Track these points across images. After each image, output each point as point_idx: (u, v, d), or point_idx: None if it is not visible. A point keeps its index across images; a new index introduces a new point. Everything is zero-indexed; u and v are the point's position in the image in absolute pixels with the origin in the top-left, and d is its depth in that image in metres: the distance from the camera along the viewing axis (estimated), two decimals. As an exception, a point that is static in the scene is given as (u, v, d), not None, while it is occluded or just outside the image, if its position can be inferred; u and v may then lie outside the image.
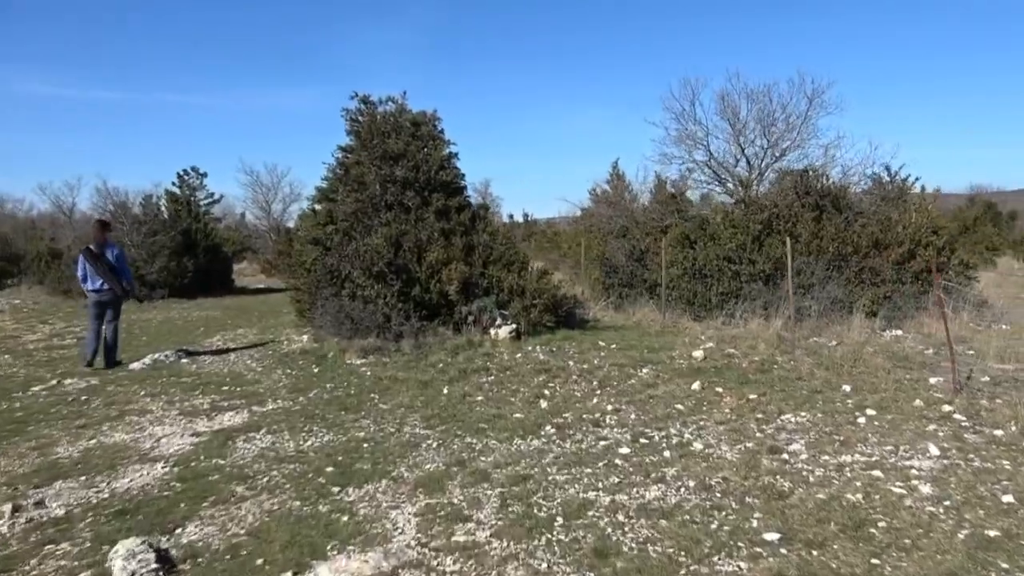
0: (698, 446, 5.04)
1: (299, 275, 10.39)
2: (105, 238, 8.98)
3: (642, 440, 5.20)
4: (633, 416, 5.86)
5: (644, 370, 7.59)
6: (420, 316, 9.09)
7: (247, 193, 42.35)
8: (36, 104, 65.93)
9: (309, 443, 5.21)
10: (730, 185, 13.97)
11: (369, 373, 7.69)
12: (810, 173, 11.98)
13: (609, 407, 6.13)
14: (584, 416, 5.87)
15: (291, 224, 31.23)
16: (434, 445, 5.15)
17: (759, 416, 5.78)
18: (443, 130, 10.70)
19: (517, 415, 5.95)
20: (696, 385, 6.75)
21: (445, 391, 6.84)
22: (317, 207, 10.69)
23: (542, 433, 5.44)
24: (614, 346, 8.95)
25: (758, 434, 5.30)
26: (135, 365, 8.41)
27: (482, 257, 9.88)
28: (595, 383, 7.05)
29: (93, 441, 5.34)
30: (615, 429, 5.51)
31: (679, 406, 6.12)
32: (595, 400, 6.41)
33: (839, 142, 12.88)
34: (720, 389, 6.65)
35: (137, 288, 9.01)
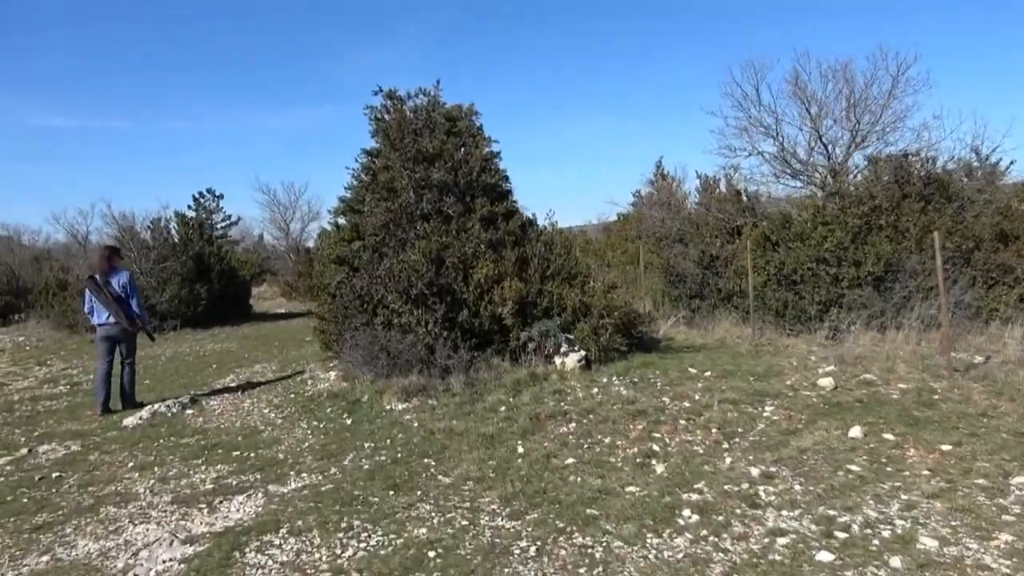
0: (929, 543, 3.37)
1: (322, 301, 8.85)
2: (110, 265, 7.58)
3: (838, 533, 3.53)
4: (797, 487, 4.19)
5: (767, 408, 5.92)
6: (469, 346, 7.49)
7: (264, 213, 41.24)
8: (47, 135, 65.71)
9: (349, 552, 3.60)
10: (803, 177, 12.25)
11: (416, 424, 6.10)
12: (910, 158, 10.24)
13: (755, 471, 4.47)
14: (728, 489, 4.21)
15: (311, 244, 29.90)
16: (532, 551, 3.53)
17: (980, 482, 4.09)
18: (482, 126, 9.15)
19: (631, 488, 4.31)
20: (856, 431, 5.06)
21: (520, 449, 5.22)
22: (340, 221, 9.17)
23: (680, 521, 3.80)
24: (708, 373, 7.29)
25: (1006, 516, 3.61)
26: (130, 420, 6.89)
27: (538, 271, 8.28)
28: (713, 430, 5.39)
29: (45, 559, 3.77)
30: (784, 512, 3.85)
31: (853, 467, 4.44)
32: (728, 459, 4.74)
33: (934, 123, 11.10)
34: (891, 436, 4.96)
35: (148, 320, 7.45)
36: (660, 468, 4.68)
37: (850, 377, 6.68)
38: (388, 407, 6.73)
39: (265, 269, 25.54)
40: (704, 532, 3.64)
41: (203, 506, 4.37)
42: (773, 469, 4.49)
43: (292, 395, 7.70)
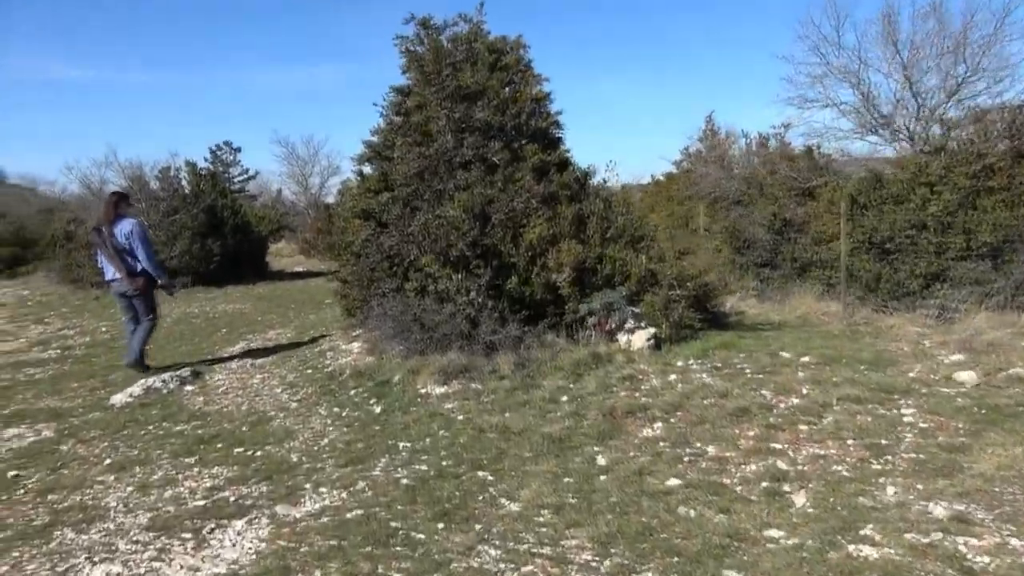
0: None
1: (344, 261, 7.66)
2: (116, 214, 6.60)
3: None
4: (1016, 543, 2.96)
5: (904, 410, 4.69)
6: (519, 319, 6.30)
7: (283, 167, 40.10)
8: (65, 87, 64.54)
9: (390, 635, 2.46)
10: (884, 132, 10.79)
11: (460, 416, 4.94)
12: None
13: (939, 511, 3.25)
14: (912, 540, 3.00)
15: (330, 199, 28.70)
16: (662, 648, 2.35)
17: None
18: (531, 61, 7.80)
19: (772, 532, 3.12)
20: (1054, 453, 3.82)
21: (600, 460, 4.05)
22: (365, 169, 7.92)
23: (867, 598, 2.61)
24: (806, 359, 6.06)
25: None
26: (118, 398, 5.81)
27: (598, 232, 7.02)
28: (849, 441, 4.18)
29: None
30: (1022, 590, 2.65)
31: (1079, 510, 3.22)
32: (890, 488, 3.53)
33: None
34: (1103, 461, 3.72)
35: (166, 276, 7.05)
36: (799, 499, 3.48)
37: (993, 371, 5.41)
38: (423, 391, 5.59)
39: (283, 225, 24.41)
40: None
41: (188, 536, 3.24)
42: (962, 507, 3.27)
43: (309, 370, 6.58)
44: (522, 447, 4.28)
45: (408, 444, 4.43)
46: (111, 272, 6.60)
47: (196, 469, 4.15)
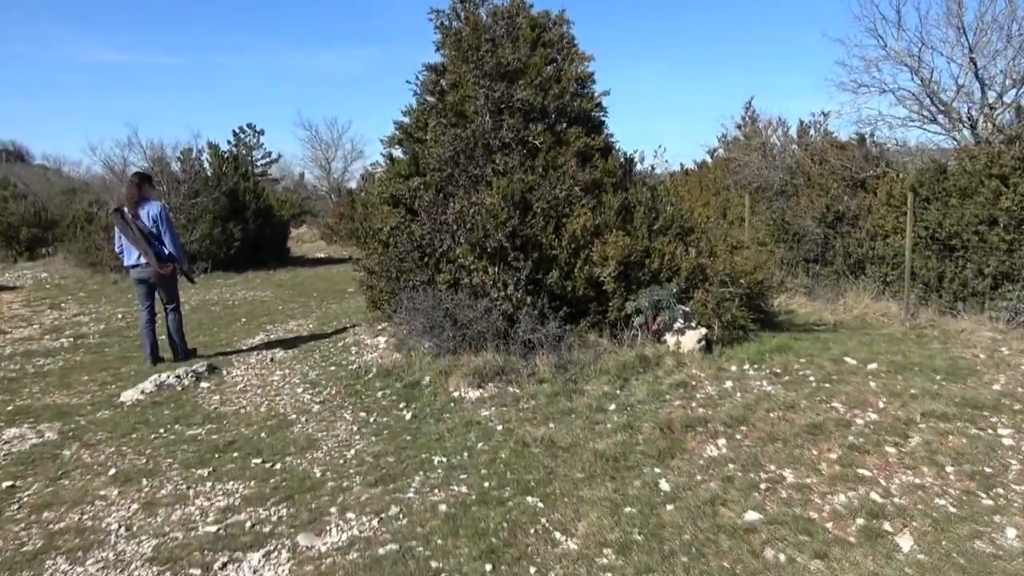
0: None
1: (371, 249, 7.20)
2: (141, 195, 6.28)
3: None
4: None
5: (1001, 430, 4.15)
6: (560, 317, 5.80)
7: (306, 151, 39.83)
8: (94, 69, 64.72)
9: None
10: (943, 120, 10.09)
11: (499, 426, 4.47)
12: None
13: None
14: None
15: (353, 184, 28.32)
16: None
17: None
18: (575, 38, 7.26)
19: (885, 590, 2.61)
20: None
21: (664, 485, 3.55)
22: (395, 152, 7.44)
23: None
24: (873, 366, 5.52)
25: None
26: (129, 395, 5.40)
27: (645, 224, 6.49)
28: (948, 468, 3.65)
29: None
30: None
31: None
32: (1010, 531, 3.01)
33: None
34: None
35: (187, 262, 6.83)
36: (905, 541, 2.97)
37: (1095, 387, 4.84)
38: (456, 394, 5.12)
39: (305, 210, 24.07)
40: None
41: (197, 572, 2.80)
42: (1109, 562, 2.74)
43: (332, 367, 6.14)
44: (572, 466, 3.80)
45: (444, 459, 3.96)
46: (134, 256, 6.25)
47: (209, 484, 3.72)
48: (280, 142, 70.43)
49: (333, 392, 5.40)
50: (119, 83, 62.28)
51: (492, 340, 5.65)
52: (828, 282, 8.73)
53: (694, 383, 5.21)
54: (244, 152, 31.85)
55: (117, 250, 6.57)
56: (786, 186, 11.41)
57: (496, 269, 5.89)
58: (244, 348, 7.09)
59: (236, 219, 14.39)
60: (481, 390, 5.21)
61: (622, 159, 7.02)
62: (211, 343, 7.36)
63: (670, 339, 6.01)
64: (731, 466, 3.76)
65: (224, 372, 6.09)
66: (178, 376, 5.74)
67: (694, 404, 4.76)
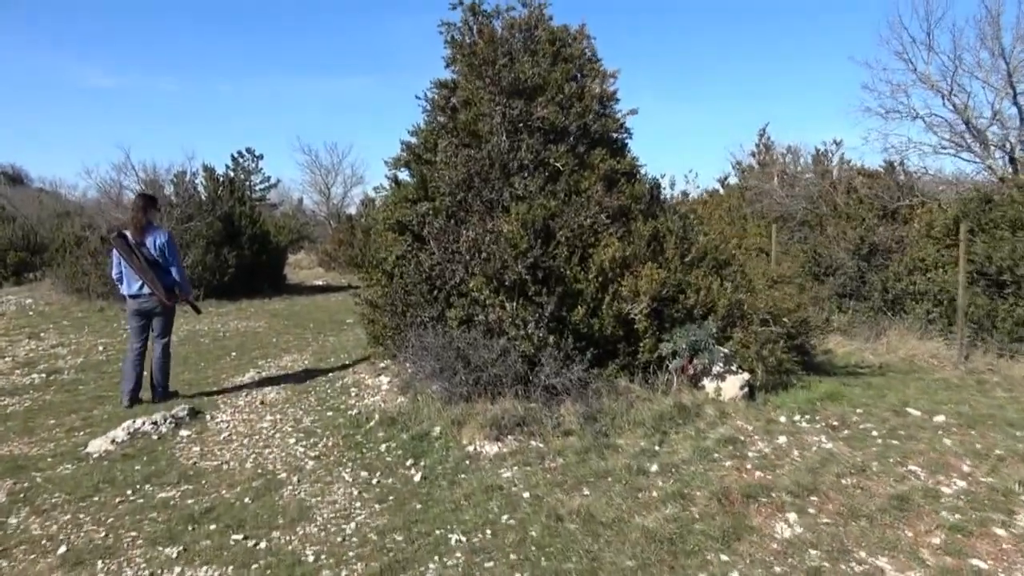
0: None
1: (374, 280, 6.58)
2: (147, 220, 5.72)
3: None
4: None
5: None
6: (587, 359, 5.16)
7: (305, 176, 39.37)
8: (95, 95, 64.61)
9: None
10: (978, 147, 9.57)
11: (525, 493, 3.80)
12: None
13: None
14: None
15: (352, 210, 27.78)
16: None
17: None
18: (597, 53, 6.72)
19: None
20: None
21: (736, 581, 2.88)
22: (401, 175, 6.86)
23: None
24: (940, 418, 4.90)
25: None
26: (98, 445, 4.73)
27: (677, 255, 5.88)
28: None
29: None
30: None
31: None
32: None
33: None
34: None
35: (192, 292, 6.30)
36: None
37: None
38: (471, 449, 4.47)
39: (303, 235, 23.52)
40: None
41: None
42: None
43: (330, 412, 5.48)
44: (619, 551, 3.13)
45: (463, 537, 3.29)
46: (135, 286, 5.69)
47: (178, 569, 3.04)
48: (279, 167, 70.15)
49: (330, 444, 4.73)
50: (117, 108, 62.14)
51: (511, 385, 5.01)
52: (864, 319, 8.11)
53: (743, 438, 4.56)
54: (242, 177, 31.38)
55: (115, 276, 5.96)
56: (808, 216, 10.84)
57: (514, 304, 5.27)
58: (232, 387, 6.42)
59: (231, 245, 13.77)
60: (500, 444, 4.56)
61: (649, 184, 6.43)
62: (196, 381, 6.69)
63: (709, 385, 5.37)
64: (813, 552, 3.10)
65: (208, 417, 5.42)
66: (155, 423, 5.07)
67: (748, 466, 4.10)
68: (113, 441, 4.78)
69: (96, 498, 3.87)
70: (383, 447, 4.60)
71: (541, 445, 4.49)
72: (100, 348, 8.52)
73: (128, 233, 5.72)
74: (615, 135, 6.50)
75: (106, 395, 6.18)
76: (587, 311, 5.30)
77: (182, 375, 6.91)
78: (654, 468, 4.08)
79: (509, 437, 4.63)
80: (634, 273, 5.40)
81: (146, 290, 5.68)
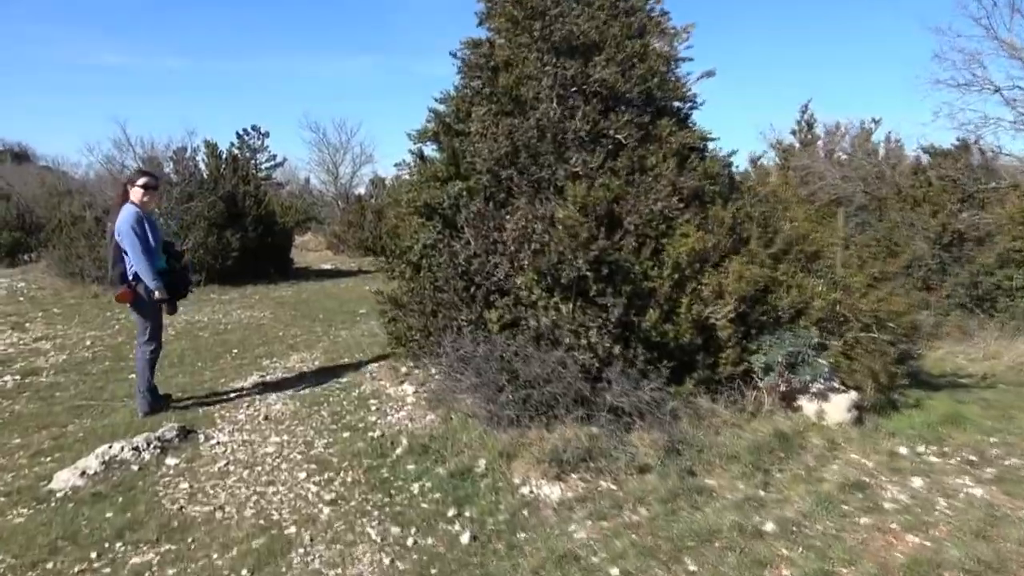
0: None
1: (397, 272, 5.63)
2: (124, 201, 4.87)
3: None
4: None
5: None
6: (661, 374, 4.22)
7: (312, 154, 38.42)
8: (100, 72, 63.35)
9: None
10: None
11: (614, 569, 2.89)
12: None
13: None
14: None
15: (361, 190, 26.80)
16: None
17: None
18: (667, 11, 5.68)
19: None
20: None
21: None
22: (429, 150, 5.89)
23: None
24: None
25: None
26: (64, 479, 3.84)
27: (761, 246, 4.91)
28: None
29: None
30: None
31: None
32: None
33: None
34: None
35: (155, 285, 4.87)
36: None
37: None
38: (527, 490, 3.56)
39: (311, 216, 22.56)
40: None
41: None
42: None
43: (346, 432, 4.56)
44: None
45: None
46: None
47: None
48: (285, 144, 69.02)
49: (349, 480, 3.82)
50: (122, 86, 60.90)
51: (572, 408, 4.07)
52: (944, 314, 7.13)
53: (868, 480, 3.63)
54: (248, 155, 30.38)
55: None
56: (867, 200, 9.82)
57: (571, 307, 4.32)
58: (232, 395, 5.52)
59: (234, 226, 12.83)
60: (562, 484, 3.64)
61: (724, 162, 5.45)
62: (192, 385, 5.80)
63: (807, 405, 4.43)
64: None
65: (201, 438, 4.52)
66: (136, 448, 4.17)
67: (893, 524, 3.17)
68: (83, 473, 3.88)
69: (51, 565, 2.97)
70: (416, 487, 3.68)
71: (614, 487, 3.58)
72: (87, 343, 7.63)
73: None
74: (679, 104, 5.50)
75: (88, 404, 5.30)
76: (661, 315, 4.34)
77: (175, 378, 6.02)
78: (769, 527, 3.16)
79: (573, 476, 3.71)
80: (720, 269, 4.43)
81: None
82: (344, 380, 5.85)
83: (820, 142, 12.85)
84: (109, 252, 4.85)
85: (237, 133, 29.00)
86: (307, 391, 5.59)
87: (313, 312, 9.80)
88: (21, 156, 39.06)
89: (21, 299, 11.36)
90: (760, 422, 4.22)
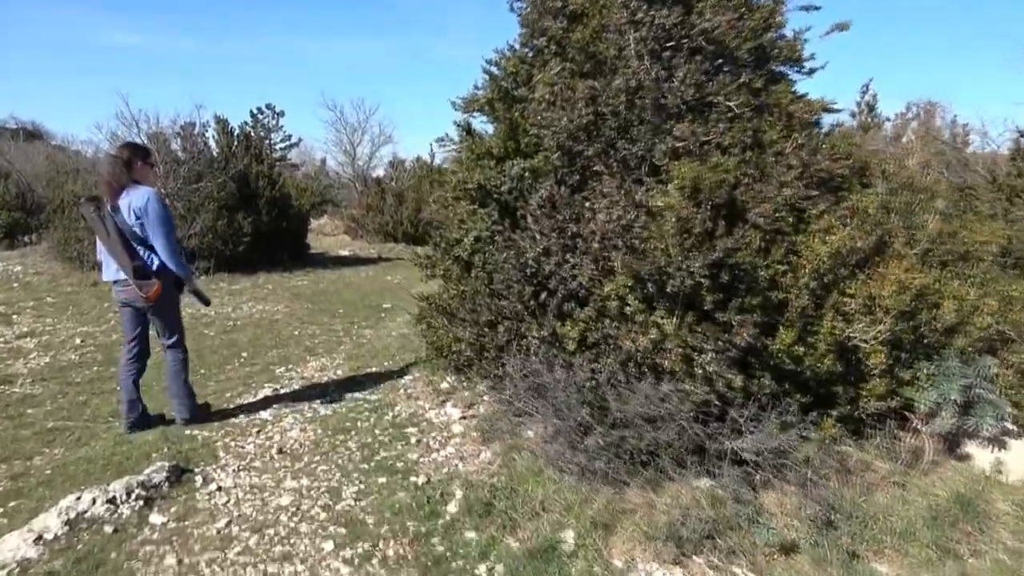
0: None
1: (442, 269, 4.62)
2: (130, 179, 3.93)
3: None
4: None
5: None
6: (803, 414, 3.19)
7: (328, 134, 37.28)
8: (111, 52, 62.34)
9: None
10: None
11: None
12: None
13: None
14: None
15: (380, 172, 25.76)
16: None
17: None
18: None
19: None
20: None
21: None
22: (476, 122, 4.86)
23: None
24: None
25: None
26: (13, 546, 2.89)
27: (904, 246, 3.86)
28: None
29: None
30: None
31: None
32: None
33: None
34: None
35: (192, 275, 4.42)
36: None
37: None
38: (637, 583, 2.53)
39: (327, 199, 21.59)
40: None
41: None
42: None
43: (382, 477, 3.59)
44: None
45: None
46: (112, 270, 3.97)
47: None
48: (300, 128, 68.01)
49: (391, 555, 2.84)
50: (134, 65, 59.91)
51: (684, 457, 3.07)
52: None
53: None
54: (262, 134, 29.38)
55: (98, 258, 4.22)
56: (962, 191, 8.68)
57: (677, 322, 3.30)
58: (240, 414, 4.56)
59: (246, 209, 11.86)
60: (683, 571, 2.63)
61: (849, 140, 4.38)
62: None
63: (978, 453, 3.41)
64: None
65: (199, 480, 3.56)
66: (111, 500, 3.20)
67: None
68: (39, 539, 2.92)
69: None
70: (483, 570, 2.69)
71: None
72: (77, 341, 6.71)
73: (100, 197, 3.95)
74: (796, 66, 4.43)
75: (61, 426, 4.35)
76: (795, 338, 3.31)
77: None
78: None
79: (696, 558, 2.71)
80: (870, 274, 3.40)
81: (122, 275, 3.89)
82: (373, 398, 4.88)
83: (888, 124, 11.70)
84: (114, 244, 3.86)
85: (251, 112, 27.93)
86: (329, 411, 4.62)
87: (332, 306, 8.84)
88: (34, 135, 38.33)
89: (15, 285, 10.49)
90: (926, 478, 3.21)
